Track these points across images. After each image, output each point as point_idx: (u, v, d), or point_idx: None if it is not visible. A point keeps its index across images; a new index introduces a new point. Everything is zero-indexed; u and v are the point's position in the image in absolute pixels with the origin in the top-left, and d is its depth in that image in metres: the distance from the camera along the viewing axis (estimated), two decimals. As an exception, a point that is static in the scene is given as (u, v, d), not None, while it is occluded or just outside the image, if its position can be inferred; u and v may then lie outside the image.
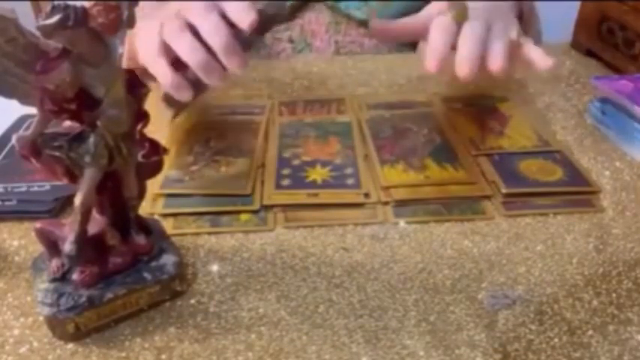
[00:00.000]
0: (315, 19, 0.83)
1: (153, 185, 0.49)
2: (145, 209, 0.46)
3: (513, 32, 0.52)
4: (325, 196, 0.49)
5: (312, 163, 0.52)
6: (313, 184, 0.50)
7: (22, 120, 0.60)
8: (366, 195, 0.49)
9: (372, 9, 0.81)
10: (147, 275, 0.38)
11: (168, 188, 0.50)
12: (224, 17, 0.49)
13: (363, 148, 0.55)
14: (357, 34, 0.85)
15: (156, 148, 0.38)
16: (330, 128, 0.58)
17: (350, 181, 0.50)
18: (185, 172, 0.52)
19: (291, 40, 0.85)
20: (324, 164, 0.52)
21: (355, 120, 0.60)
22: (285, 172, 0.51)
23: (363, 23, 0.83)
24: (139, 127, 0.36)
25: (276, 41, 0.85)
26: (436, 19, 0.50)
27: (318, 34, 0.84)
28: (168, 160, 0.53)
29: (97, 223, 0.38)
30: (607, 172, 0.52)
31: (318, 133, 0.57)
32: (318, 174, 0.51)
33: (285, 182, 0.50)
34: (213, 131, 0.58)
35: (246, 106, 0.64)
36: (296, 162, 0.53)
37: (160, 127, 0.60)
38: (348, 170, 0.51)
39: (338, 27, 0.84)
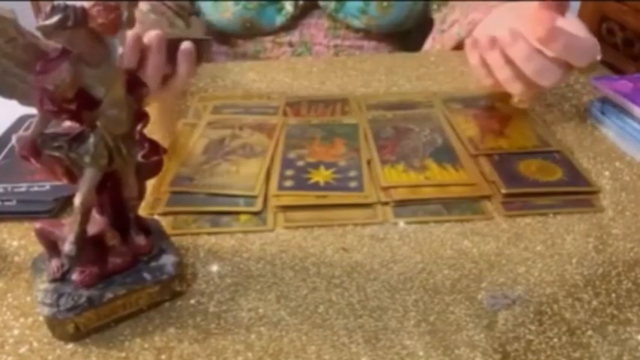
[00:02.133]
0: (315, 24, 0.84)
1: (163, 182, 0.50)
2: (147, 207, 0.47)
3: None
4: (327, 198, 0.49)
5: (315, 165, 0.52)
6: (316, 186, 0.50)
7: (22, 120, 0.60)
8: (368, 198, 0.49)
9: (370, 17, 0.81)
10: (146, 275, 0.38)
11: (178, 186, 0.50)
12: None
13: (368, 151, 0.55)
14: (356, 38, 0.85)
15: (156, 149, 0.38)
16: (337, 130, 0.58)
17: (353, 184, 0.50)
18: (196, 170, 0.52)
19: (290, 44, 0.85)
20: (328, 166, 0.52)
21: (362, 122, 0.60)
22: (289, 172, 0.51)
23: (362, 30, 0.84)
24: (138, 127, 0.36)
25: (276, 45, 0.85)
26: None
27: (317, 38, 0.84)
28: (181, 158, 0.53)
29: (96, 223, 0.38)
30: (607, 173, 0.52)
31: (323, 135, 0.57)
32: (321, 176, 0.51)
33: (288, 183, 0.50)
34: (227, 130, 0.58)
35: (261, 106, 0.64)
36: (300, 163, 0.53)
37: (161, 127, 0.60)
38: (352, 173, 0.51)
39: (337, 32, 0.84)
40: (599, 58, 0.52)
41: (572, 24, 0.51)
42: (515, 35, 0.51)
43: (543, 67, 0.51)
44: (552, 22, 0.48)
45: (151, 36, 0.53)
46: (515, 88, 0.54)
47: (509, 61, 0.52)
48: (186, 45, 0.55)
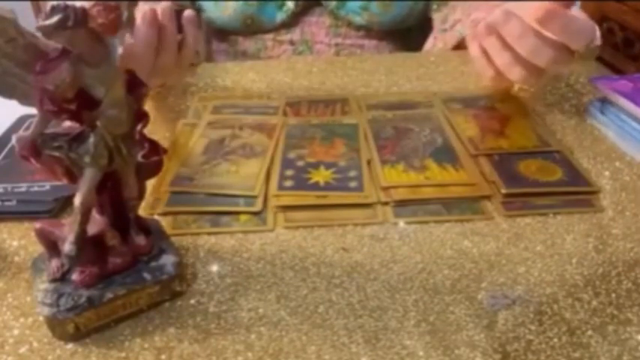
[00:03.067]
0: (316, 22, 0.84)
1: (162, 182, 0.50)
2: (147, 207, 0.47)
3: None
4: (327, 198, 0.49)
5: (315, 165, 0.52)
6: (316, 186, 0.50)
7: (22, 120, 0.60)
8: (368, 198, 0.49)
9: (371, 14, 0.81)
10: (146, 275, 0.38)
11: (178, 186, 0.50)
12: None
13: (368, 151, 0.55)
14: (357, 37, 0.85)
15: (155, 149, 0.38)
16: (337, 130, 0.58)
17: (353, 184, 0.50)
18: (196, 170, 0.52)
19: (291, 43, 0.85)
20: (328, 166, 0.52)
21: (362, 122, 0.60)
22: (289, 172, 0.51)
23: (363, 27, 0.84)
24: (138, 127, 0.36)
25: (277, 43, 0.85)
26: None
27: (319, 36, 0.84)
28: (181, 158, 0.53)
29: (96, 223, 0.38)
30: (607, 172, 0.52)
31: (323, 135, 0.57)
32: (321, 176, 0.51)
33: (288, 183, 0.50)
34: (227, 130, 0.58)
35: (261, 106, 0.64)
36: (300, 163, 0.53)
37: (161, 127, 0.60)
38: (352, 173, 0.51)
39: (338, 30, 0.84)
40: (598, 43, 0.52)
41: (573, 11, 0.51)
42: (508, 14, 0.51)
43: (537, 45, 0.50)
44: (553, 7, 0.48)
45: (163, 8, 0.54)
46: (514, 74, 0.53)
47: (506, 45, 0.52)
48: (188, 12, 0.57)
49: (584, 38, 0.51)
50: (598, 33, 0.51)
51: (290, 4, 0.81)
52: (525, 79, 0.54)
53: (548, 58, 0.51)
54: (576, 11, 0.52)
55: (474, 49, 0.57)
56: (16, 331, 0.37)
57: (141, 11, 0.52)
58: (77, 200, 0.34)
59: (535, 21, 0.49)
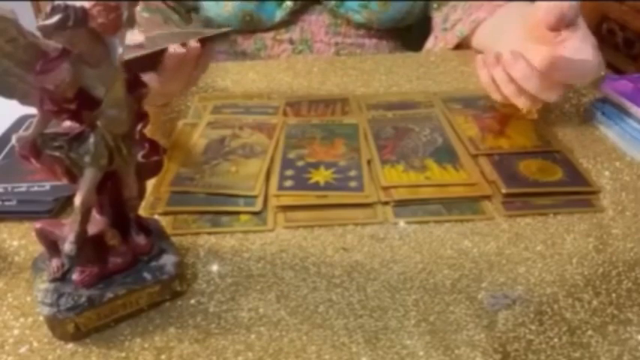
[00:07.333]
0: (315, 20, 0.84)
1: (163, 182, 0.50)
2: (147, 207, 0.47)
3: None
4: (327, 198, 0.49)
5: (316, 165, 0.52)
6: (316, 186, 0.50)
7: (22, 120, 0.60)
8: (368, 198, 0.49)
9: (371, 12, 0.81)
10: (147, 275, 0.38)
11: (178, 186, 0.50)
12: None
13: (368, 151, 0.55)
14: (357, 36, 0.85)
15: (156, 148, 0.38)
16: (337, 130, 0.58)
17: (353, 184, 0.50)
18: (197, 170, 0.52)
19: (291, 42, 0.85)
20: (328, 166, 0.52)
21: (362, 122, 0.60)
22: (289, 172, 0.51)
23: (363, 26, 0.84)
24: (138, 127, 0.36)
25: (277, 42, 0.85)
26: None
27: (318, 35, 0.84)
28: (181, 158, 0.53)
29: (97, 223, 0.38)
30: (607, 172, 0.52)
31: (323, 135, 0.57)
32: (321, 176, 0.51)
33: (288, 183, 0.50)
34: (227, 130, 0.58)
35: (261, 106, 0.64)
36: (300, 163, 0.53)
37: (161, 127, 0.60)
38: (352, 173, 0.51)
39: (338, 29, 0.84)
40: (603, 74, 0.53)
41: (577, 39, 0.51)
42: (515, 56, 0.52)
43: (543, 86, 0.52)
44: (555, 53, 0.49)
45: (190, 49, 0.53)
46: (520, 102, 0.55)
47: (512, 78, 0.53)
48: (208, 45, 0.56)
49: (590, 78, 0.53)
50: (602, 66, 0.52)
51: (289, 2, 0.81)
52: (530, 107, 0.56)
53: (554, 97, 0.53)
54: (581, 38, 0.52)
55: (484, 76, 0.58)
56: (16, 331, 0.37)
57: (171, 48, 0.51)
58: (77, 200, 0.34)
59: (540, 70, 0.50)
